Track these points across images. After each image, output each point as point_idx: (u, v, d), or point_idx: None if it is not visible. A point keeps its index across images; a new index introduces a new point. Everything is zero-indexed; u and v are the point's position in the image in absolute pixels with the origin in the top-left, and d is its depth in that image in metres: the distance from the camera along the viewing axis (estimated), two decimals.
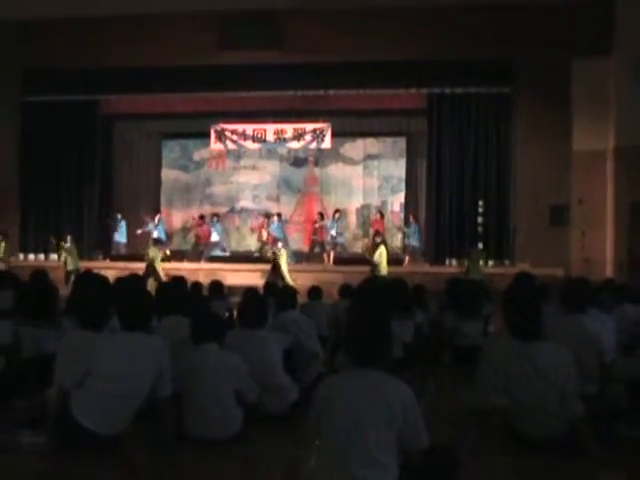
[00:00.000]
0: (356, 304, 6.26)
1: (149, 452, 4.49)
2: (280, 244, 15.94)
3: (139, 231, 17.95)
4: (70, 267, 15.77)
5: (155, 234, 17.65)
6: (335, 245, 17.66)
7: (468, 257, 15.11)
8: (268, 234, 17.37)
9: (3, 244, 16.34)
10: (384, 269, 15.11)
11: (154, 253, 15.53)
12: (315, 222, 18.20)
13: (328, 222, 17.88)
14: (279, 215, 18.04)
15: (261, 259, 16.61)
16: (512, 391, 4.52)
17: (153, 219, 18.21)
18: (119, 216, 18.39)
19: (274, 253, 15.58)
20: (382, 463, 3.25)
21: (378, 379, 3.39)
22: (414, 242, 17.40)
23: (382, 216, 18.17)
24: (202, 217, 18.52)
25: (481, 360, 5.16)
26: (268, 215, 18.05)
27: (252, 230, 18.57)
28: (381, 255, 15.40)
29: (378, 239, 16.02)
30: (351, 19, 15.38)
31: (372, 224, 18.05)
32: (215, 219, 18.25)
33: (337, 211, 18.02)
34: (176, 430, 4.57)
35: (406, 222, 17.99)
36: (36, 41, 16.23)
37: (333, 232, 17.60)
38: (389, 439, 3.28)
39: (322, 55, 16.08)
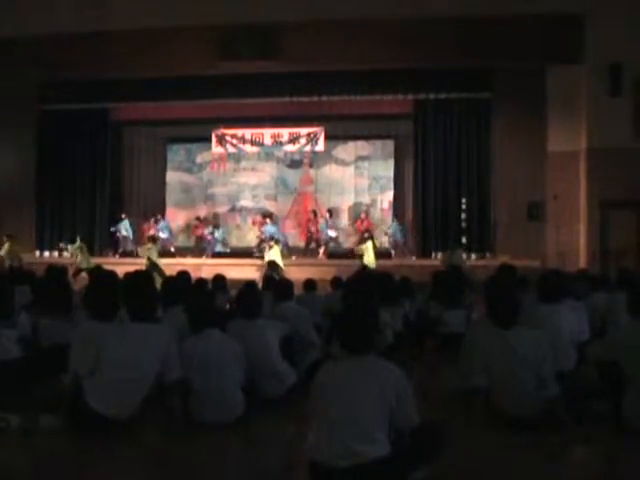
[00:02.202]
0: (347, 296, 6.26)
1: (158, 434, 4.50)
2: (272, 242, 16.07)
3: (151, 231, 17.81)
4: (83, 265, 15.22)
5: (161, 234, 17.67)
6: (328, 241, 17.72)
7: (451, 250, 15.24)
8: (261, 233, 17.45)
9: (7, 245, 16.17)
10: (371, 263, 15.16)
11: (147, 251, 15.46)
12: (309, 220, 18.26)
13: (322, 221, 17.94)
14: (271, 216, 18.06)
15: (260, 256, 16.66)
16: (492, 373, 4.55)
17: (157, 222, 18.14)
18: (123, 215, 18.37)
19: (270, 246, 15.74)
20: (376, 439, 3.30)
21: (372, 363, 3.45)
22: (397, 238, 17.49)
23: (367, 215, 18.23)
24: (199, 219, 18.56)
25: (464, 345, 5.17)
26: (265, 214, 18.03)
27: (253, 223, 18.48)
28: (367, 248, 15.49)
29: (366, 235, 16.20)
30: (342, 31, 15.33)
31: (359, 223, 18.09)
32: (215, 228, 18.25)
33: (330, 212, 18.14)
34: (183, 414, 4.58)
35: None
36: (52, 54, 16.19)
37: (331, 233, 17.71)
38: (383, 417, 3.33)
39: (316, 64, 16.05)
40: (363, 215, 18.23)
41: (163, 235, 17.84)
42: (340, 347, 3.57)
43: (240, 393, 4.73)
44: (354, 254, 16.16)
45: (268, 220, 17.75)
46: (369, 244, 15.83)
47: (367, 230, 17.11)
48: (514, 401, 4.45)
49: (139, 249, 16.18)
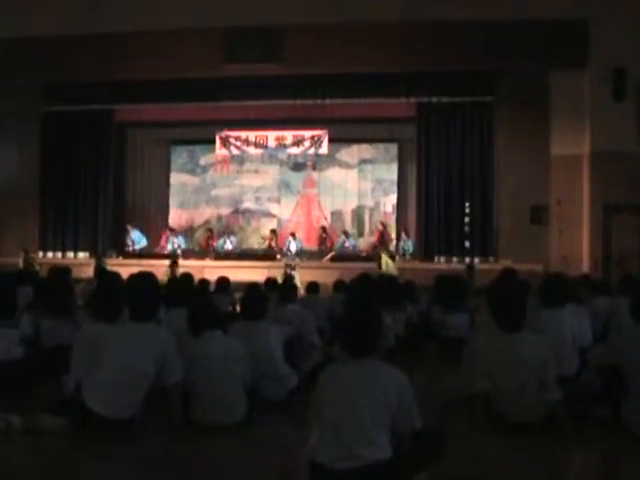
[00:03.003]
0: (350, 299, 6.25)
1: (158, 436, 4.50)
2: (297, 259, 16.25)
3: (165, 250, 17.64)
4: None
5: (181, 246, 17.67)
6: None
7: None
8: (281, 249, 17.44)
9: (22, 258, 16.25)
10: (394, 270, 15.16)
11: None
12: (323, 234, 18.15)
13: (339, 240, 17.99)
14: (293, 235, 18.00)
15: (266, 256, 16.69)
16: (495, 377, 4.54)
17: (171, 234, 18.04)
18: (128, 226, 18.26)
19: (290, 266, 15.76)
20: (378, 442, 3.29)
21: (374, 366, 3.44)
22: (409, 251, 17.39)
23: (384, 227, 18.07)
24: (211, 230, 18.55)
25: (467, 349, 5.17)
26: (292, 233, 18.03)
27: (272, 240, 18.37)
28: (386, 263, 15.52)
29: (377, 250, 16.23)
30: (346, 33, 15.32)
31: (378, 235, 17.96)
32: (227, 237, 18.25)
33: (345, 233, 18.13)
34: (184, 415, 4.57)
35: (398, 237, 17.86)
36: (56, 56, 16.21)
37: (348, 245, 17.82)
38: (384, 421, 3.32)
39: (319, 67, 16.04)
40: (380, 226, 18.11)
41: (181, 246, 17.80)
42: (342, 350, 3.56)
43: (242, 395, 4.73)
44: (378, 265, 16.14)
45: (291, 238, 17.79)
46: (384, 259, 15.83)
47: (377, 246, 17.09)
48: (516, 405, 4.44)
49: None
